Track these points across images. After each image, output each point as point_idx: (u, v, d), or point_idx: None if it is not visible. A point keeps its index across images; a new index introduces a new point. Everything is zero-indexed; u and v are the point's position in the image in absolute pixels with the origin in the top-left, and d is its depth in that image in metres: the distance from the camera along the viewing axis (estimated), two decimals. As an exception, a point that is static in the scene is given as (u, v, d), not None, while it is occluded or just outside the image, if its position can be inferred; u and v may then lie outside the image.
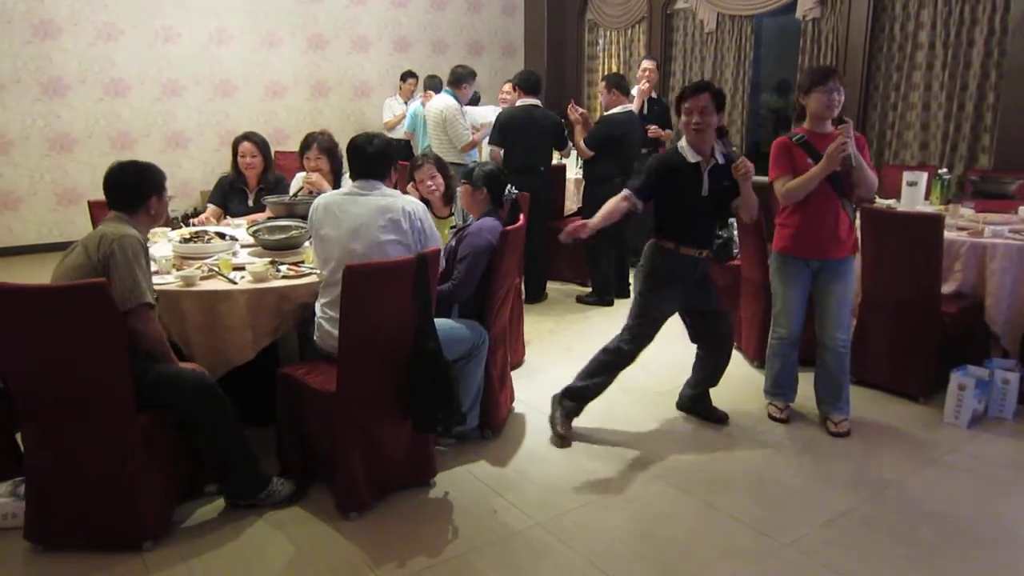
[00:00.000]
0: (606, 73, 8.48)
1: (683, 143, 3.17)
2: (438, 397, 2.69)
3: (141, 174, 2.63)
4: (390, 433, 2.75)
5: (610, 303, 5.41)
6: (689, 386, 3.56)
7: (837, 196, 3.19)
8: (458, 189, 3.58)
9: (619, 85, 5.21)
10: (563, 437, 3.27)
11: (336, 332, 2.65)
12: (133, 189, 2.60)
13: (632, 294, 3.33)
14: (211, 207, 4.13)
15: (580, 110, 5.30)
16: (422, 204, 2.91)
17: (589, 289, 5.58)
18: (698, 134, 3.09)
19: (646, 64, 5.99)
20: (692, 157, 3.13)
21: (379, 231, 2.74)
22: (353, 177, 2.91)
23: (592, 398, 3.34)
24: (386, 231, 2.74)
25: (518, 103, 5.23)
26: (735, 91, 7.08)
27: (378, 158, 2.86)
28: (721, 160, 3.16)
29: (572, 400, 3.33)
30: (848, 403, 3.40)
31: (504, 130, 5.14)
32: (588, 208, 5.32)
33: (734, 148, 3.22)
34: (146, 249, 2.55)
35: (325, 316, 2.80)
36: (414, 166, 3.79)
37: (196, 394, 2.54)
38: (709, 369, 3.48)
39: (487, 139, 5.43)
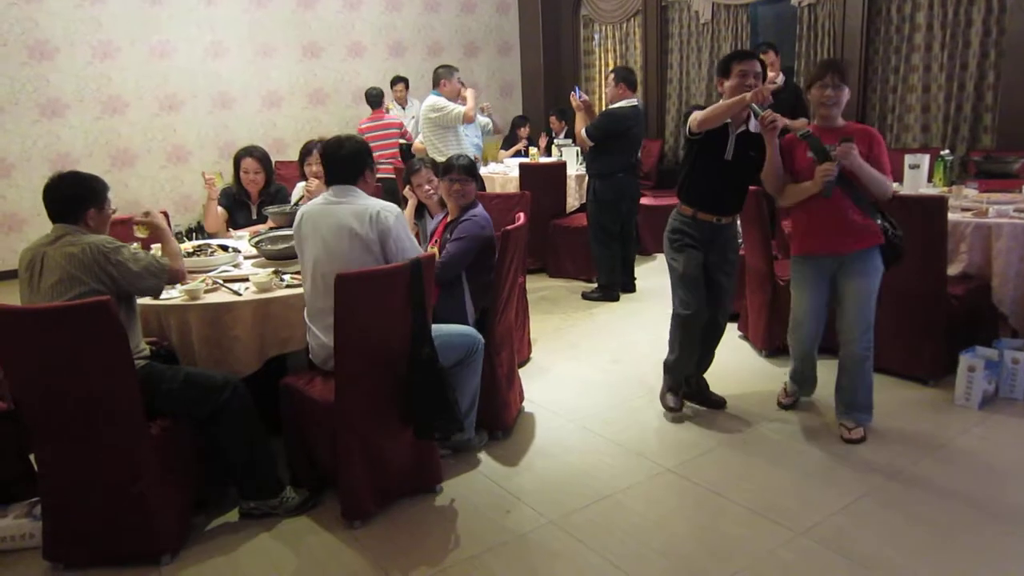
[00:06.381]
0: (603, 68, 8.54)
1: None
2: (435, 404, 2.68)
3: (78, 186, 2.58)
4: (391, 441, 2.74)
5: (615, 298, 5.40)
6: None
7: (840, 187, 2.95)
8: (442, 185, 3.54)
9: (627, 79, 5.17)
10: (671, 408, 3.41)
11: (317, 345, 2.70)
12: (70, 201, 2.55)
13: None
14: (220, 208, 4.12)
15: (584, 97, 5.19)
16: (397, 208, 2.83)
17: (594, 285, 5.57)
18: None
19: (765, 59, 5.67)
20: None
21: (349, 243, 2.68)
22: (328, 183, 2.85)
23: (683, 371, 3.43)
24: (356, 242, 2.69)
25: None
26: (733, 81, 7.05)
27: (351, 161, 2.80)
28: (753, 129, 3.10)
29: (669, 374, 3.45)
30: (868, 411, 3.19)
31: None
32: (593, 204, 5.32)
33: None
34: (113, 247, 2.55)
35: (311, 332, 2.80)
36: (411, 171, 3.79)
37: (225, 388, 2.60)
38: (699, 353, 3.47)
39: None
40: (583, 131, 5.09)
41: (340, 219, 2.71)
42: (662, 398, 3.48)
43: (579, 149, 6.29)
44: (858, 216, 3.01)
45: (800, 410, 3.49)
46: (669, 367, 3.46)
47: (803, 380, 3.45)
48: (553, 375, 4.06)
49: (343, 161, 2.80)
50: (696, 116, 3.09)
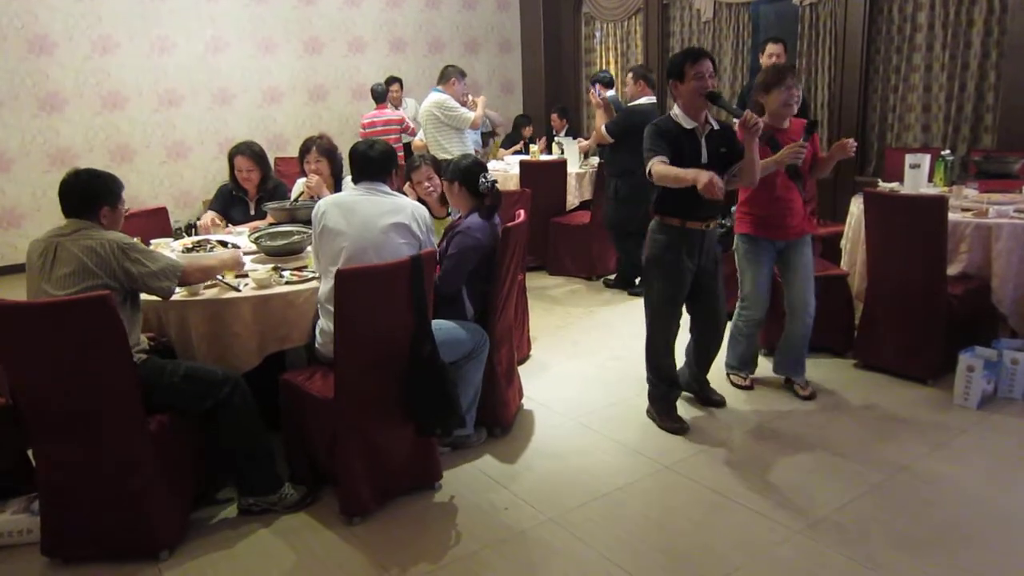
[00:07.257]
0: (604, 66, 8.54)
1: (676, 111, 3.12)
2: (436, 401, 2.68)
3: (94, 182, 2.60)
4: (391, 438, 2.74)
5: (635, 286, 5.46)
6: (687, 368, 3.58)
7: (793, 183, 3.37)
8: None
9: (645, 77, 5.21)
10: (676, 429, 3.31)
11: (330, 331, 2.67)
12: (85, 197, 2.57)
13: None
14: (212, 213, 4.10)
15: (603, 94, 5.28)
16: (423, 206, 2.94)
17: (613, 276, 5.72)
18: (701, 99, 3.04)
19: (773, 49, 5.33)
20: (688, 124, 3.10)
21: (390, 230, 2.76)
22: (356, 180, 2.93)
23: (667, 395, 3.39)
24: (396, 230, 2.77)
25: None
26: (734, 79, 7.05)
27: (381, 162, 2.91)
28: (716, 126, 3.14)
29: (660, 401, 3.40)
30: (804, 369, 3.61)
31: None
32: (613, 202, 5.30)
33: (735, 107, 3.17)
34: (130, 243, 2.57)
35: (326, 317, 2.77)
36: (411, 167, 3.79)
37: (226, 383, 2.61)
38: (700, 354, 3.49)
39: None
40: (603, 127, 5.16)
41: (379, 210, 2.79)
42: (663, 427, 3.34)
43: (578, 147, 6.30)
44: (800, 205, 3.42)
45: (799, 409, 3.49)
46: (656, 397, 3.41)
47: (747, 362, 3.71)
48: (553, 373, 4.06)
49: (375, 160, 2.91)
50: (656, 170, 3.01)
